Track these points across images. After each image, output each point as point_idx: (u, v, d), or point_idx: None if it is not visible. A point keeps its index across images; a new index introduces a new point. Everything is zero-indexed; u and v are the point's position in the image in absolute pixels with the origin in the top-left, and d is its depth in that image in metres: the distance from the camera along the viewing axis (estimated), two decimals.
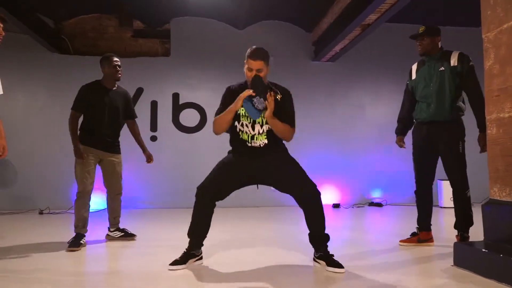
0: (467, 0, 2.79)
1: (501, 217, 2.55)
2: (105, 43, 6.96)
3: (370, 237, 4.05)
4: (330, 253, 2.74)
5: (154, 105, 6.86)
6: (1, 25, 2.75)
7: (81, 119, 3.64)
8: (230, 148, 2.97)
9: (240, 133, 2.83)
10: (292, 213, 5.86)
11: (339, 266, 2.62)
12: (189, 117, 6.90)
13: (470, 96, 3.19)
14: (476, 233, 3.08)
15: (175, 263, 2.69)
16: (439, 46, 3.35)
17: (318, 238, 2.76)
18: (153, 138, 6.82)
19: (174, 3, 6.39)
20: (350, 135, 7.26)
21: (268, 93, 2.72)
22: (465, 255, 2.64)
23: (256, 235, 4.23)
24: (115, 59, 3.69)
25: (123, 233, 3.78)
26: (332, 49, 6.52)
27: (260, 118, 2.77)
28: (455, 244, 2.76)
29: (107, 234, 3.79)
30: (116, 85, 3.75)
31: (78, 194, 3.50)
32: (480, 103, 3.01)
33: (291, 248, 3.48)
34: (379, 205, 6.82)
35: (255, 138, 2.82)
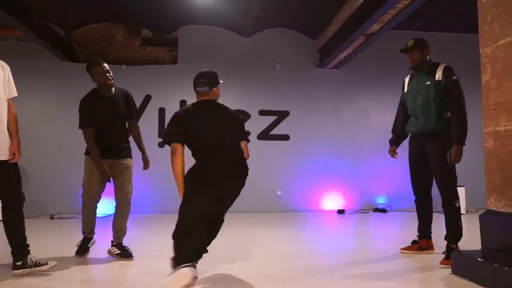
0: (469, 7, 2.86)
1: (497, 227, 2.62)
2: (114, 51, 7.12)
3: (372, 244, 4.13)
4: None
5: (162, 112, 7.00)
6: None
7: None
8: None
9: None
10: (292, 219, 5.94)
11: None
12: None
13: (451, 109, 3.23)
14: (474, 242, 3.15)
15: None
16: (428, 59, 3.44)
17: None
18: (161, 145, 6.94)
19: (181, 12, 6.53)
20: (355, 141, 7.34)
21: None
22: (463, 264, 2.72)
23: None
24: (103, 65, 3.43)
25: (120, 252, 3.44)
26: (337, 56, 6.62)
27: None
28: (453, 253, 2.84)
29: (109, 250, 3.52)
30: (113, 90, 3.52)
31: (83, 203, 3.47)
32: (459, 116, 3.13)
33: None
34: (383, 211, 6.89)
35: None
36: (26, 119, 6.68)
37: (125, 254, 3.43)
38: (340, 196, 7.12)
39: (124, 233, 3.53)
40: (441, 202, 3.28)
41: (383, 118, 7.33)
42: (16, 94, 3.07)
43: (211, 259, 3.08)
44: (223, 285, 2.66)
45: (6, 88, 2.96)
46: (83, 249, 3.51)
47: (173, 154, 2.73)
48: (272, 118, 7.17)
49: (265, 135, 7.13)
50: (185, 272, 2.33)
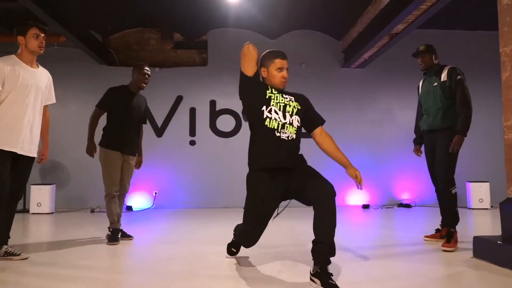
0: (492, 5, 3.04)
1: None
2: (147, 55, 7.52)
3: (396, 234, 4.34)
4: (329, 271, 2.31)
5: (192, 111, 7.35)
6: (42, 34, 3.14)
7: (103, 123, 3.93)
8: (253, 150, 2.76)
9: (267, 119, 2.59)
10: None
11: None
12: (225, 123, 7.36)
13: (457, 105, 3.52)
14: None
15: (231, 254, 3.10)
16: (436, 63, 3.75)
17: (322, 249, 2.37)
18: (192, 143, 7.31)
19: (210, 17, 6.87)
20: (379, 139, 7.52)
21: None
22: (483, 248, 2.93)
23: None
24: (146, 68, 3.96)
25: (121, 234, 3.89)
26: (361, 56, 6.82)
27: (290, 107, 2.65)
28: (474, 237, 3.04)
29: (107, 234, 3.87)
30: (139, 92, 4.03)
31: (106, 197, 3.83)
32: (464, 111, 3.45)
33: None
34: (408, 206, 7.05)
35: (285, 128, 2.61)
36: (67, 120, 7.16)
37: (125, 234, 3.94)
38: (364, 192, 7.31)
39: (120, 217, 3.95)
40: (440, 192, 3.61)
41: (407, 116, 7.48)
42: (55, 101, 3.39)
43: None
44: (267, 271, 2.94)
45: (45, 95, 3.25)
46: (114, 239, 3.74)
47: None
48: None
49: None
50: None
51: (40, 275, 2.70)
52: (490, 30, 7.31)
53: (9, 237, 3.17)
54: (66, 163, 7.09)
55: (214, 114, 7.38)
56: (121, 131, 3.88)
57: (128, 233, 4.04)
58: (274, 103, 2.62)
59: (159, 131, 7.24)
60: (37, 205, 6.26)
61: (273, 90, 2.69)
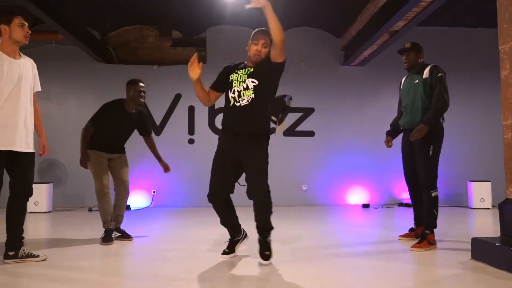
0: (493, 2, 2.99)
1: None
2: (145, 52, 7.47)
3: (394, 234, 4.28)
4: (268, 241, 2.97)
5: (191, 110, 7.31)
6: (27, 24, 2.98)
7: None
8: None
9: (232, 99, 2.99)
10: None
11: (264, 257, 2.89)
12: None
13: (433, 100, 3.46)
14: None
15: (225, 252, 3.09)
16: (421, 62, 3.71)
17: (261, 229, 3.02)
18: (191, 141, 7.27)
19: (209, 14, 6.81)
20: (380, 137, 7.36)
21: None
22: (482, 250, 2.87)
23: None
24: (141, 84, 3.95)
25: (120, 234, 3.91)
26: (361, 54, 6.75)
27: (245, 76, 2.98)
28: (472, 239, 2.99)
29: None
30: (135, 108, 4.01)
31: (98, 194, 3.84)
32: (437, 105, 3.40)
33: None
34: (408, 205, 6.97)
35: (242, 95, 2.93)
36: (65, 118, 7.12)
37: (125, 235, 3.92)
38: (365, 191, 7.25)
39: (123, 218, 4.00)
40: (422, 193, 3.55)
41: None
42: (40, 89, 3.23)
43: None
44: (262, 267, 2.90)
45: (32, 85, 3.11)
46: (108, 239, 3.73)
47: None
48: (298, 115, 7.37)
49: (290, 132, 7.33)
50: None
51: (34, 277, 2.67)
52: (490, 27, 7.22)
53: (23, 238, 3.09)
54: (64, 161, 7.06)
55: (213, 112, 7.33)
56: (110, 140, 3.98)
57: (128, 233, 3.99)
58: (235, 84, 2.99)
59: (158, 130, 7.20)
60: (35, 204, 6.23)
61: (238, 70, 3.04)
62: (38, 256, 3.05)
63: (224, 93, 3.13)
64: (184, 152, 7.21)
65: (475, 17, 7.00)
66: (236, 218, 3.19)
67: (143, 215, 6.05)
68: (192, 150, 7.25)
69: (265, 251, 2.91)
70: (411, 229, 3.82)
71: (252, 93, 2.90)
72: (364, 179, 7.28)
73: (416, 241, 3.48)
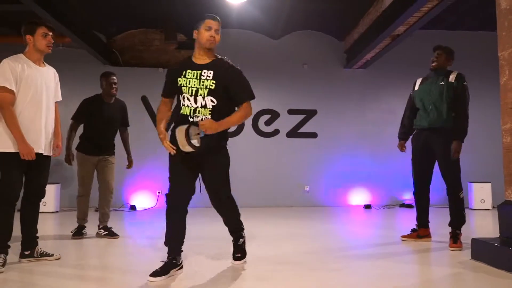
0: (493, 6, 3.10)
1: None
2: (151, 55, 7.57)
3: (395, 234, 4.38)
4: (239, 244, 3.03)
5: None
6: (50, 33, 3.12)
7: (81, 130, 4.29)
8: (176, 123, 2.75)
9: (182, 107, 2.71)
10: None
11: (236, 259, 3.01)
12: None
13: (456, 111, 3.57)
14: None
15: (155, 274, 2.58)
16: (447, 67, 3.76)
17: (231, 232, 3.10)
18: None
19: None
20: (381, 139, 7.54)
21: (198, 125, 2.57)
22: (482, 250, 2.97)
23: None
24: (113, 77, 4.17)
25: (107, 232, 4.15)
26: (363, 57, 6.85)
27: (202, 90, 2.65)
28: (472, 239, 3.09)
29: (97, 232, 4.19)
30: (113, 99, 4.24)
31: (78, 195, 4.22)
32: (462, 118, 3.52)
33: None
34: (410, 206, 7.07)
35: (197, 112, 2.65)
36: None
37: (111, 233, 4.14)
38: (366, 192, 7.35)
39: (108, 217, 4.26)
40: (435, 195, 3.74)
41: None
42: (61, 99, 3.39)
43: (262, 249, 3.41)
44: (263, 268, 3.00)
45: (53, 93, 3.23)
46: (79, 234, 4.12)
47: None
48: (301, 117, 7.47)
49: (293, 133, 7.44)
50: None
51: (49, 274, 2.77)
52: (492, 30, 7.32)
53: (38, 237, 3.20)
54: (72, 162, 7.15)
55: None
56: (97, 138, 4.17)
57: (114, 231, 4.22)
58: (185, 90, 2.68)
59: None
60: (43, 204, 6.31)
61: (187, 72, 2.71)
62: (52, 255, 3.16)
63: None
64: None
65: (476, 20, 7.10)
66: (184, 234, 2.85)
67: (148, 215, 6.15)
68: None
69: (236, 254, 3.02)
70: (413, 230, 3.91)
71: (209, 114, 2.64)
72: (366, 180, 7.37)
73: (419, 238, 3.60)
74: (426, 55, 3.97)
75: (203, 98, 2.65)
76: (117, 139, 4.43)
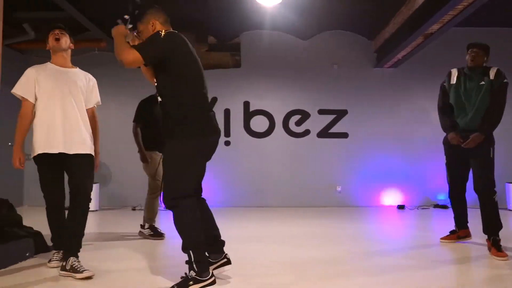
0: None
1: None
2: None
3: (433, 235, 4.35)
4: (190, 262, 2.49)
5: (227, 112, 7.53)
6: (56, 30, 3.10)
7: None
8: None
9: None
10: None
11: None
12: (259, 123, 7.50)
13: (490, 106, 3.45)
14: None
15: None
16: (484, 65, 3.63)
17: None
18: (227, 143, 7.48)
19: (243, 19, 7.02)
20: (413, 139, 7.46)
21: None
22: None
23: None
24: None
25: (153, 232, 4.24)
26: (395, 56, 6.80)
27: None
28: None
29: (140, 231, 4.30)
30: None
31: (152, 193, 4.27)
32: (495, 114, 3.41)
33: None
34: (444, 207, 6.97)
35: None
36: (108, 121, 7.46)
37: (158, 233, 4.23)
38: (399, 192, 7.29)
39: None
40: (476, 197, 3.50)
41: None
42: (100, 101, 3.43)
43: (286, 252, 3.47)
44: (294, 273, 3.05)
45: (83, 95, 3.18)
46: (158, 234, 4.20)
47: None
48: (331, 117, 7.48)
49: (324, 133, 7.45)
50: None
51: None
52: None
53: (80, 246, 2.97)
54: (108, 163, 7.41)
55: (248, 115, 7.53)
56: (158, 135, 4.18)
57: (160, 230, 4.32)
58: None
59: None
60: None
61: None
62: (82, 272, 2.78)
63: None
64: (220, 154, 7.39)
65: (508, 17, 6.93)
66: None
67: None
68: (228, 151, 7.46)
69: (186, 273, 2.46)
70: (452, 231, 3.87)
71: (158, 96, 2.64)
72: (398, 180, 7.31)
73: (459, 239, 3.60)
74: (458, 53, 3.91)
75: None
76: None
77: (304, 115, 7.48)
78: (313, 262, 3.10)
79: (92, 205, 6.50)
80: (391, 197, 7.28)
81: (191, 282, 2.34)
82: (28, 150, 2.98)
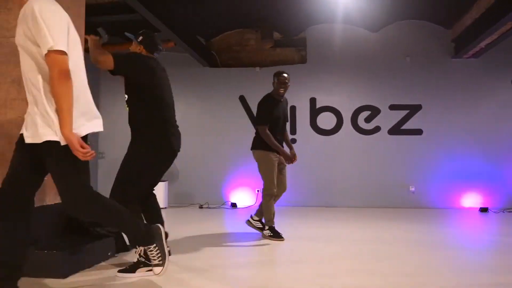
0: None
1: None
2: (247, 55, 7.68)
3: None
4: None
5: (293, 109, 7.35)
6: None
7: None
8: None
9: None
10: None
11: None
12: (326, 120, 7.24)
13: None
14: None
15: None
16: None
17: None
18: (293, 141, 7.30)
19: (308, 13, 6.80)
20: (497, 136, 6.83)
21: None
22: None
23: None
24: (284, 75, 4.11)
25: (272, 234, 4.07)
26: (477, 45, 6.24)
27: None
28: None
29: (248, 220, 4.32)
30: (282, 97, 4.23)
31: (269, 194, 4.05)
32: None
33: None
34: None
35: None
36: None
37: (277, 234, 4.07)
38: (481, 193, 6.71)
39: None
40: None
41: None
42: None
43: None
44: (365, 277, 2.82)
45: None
46: (278, 235, 4.04)
47: None
48: (404, 113, 7.05)
49: (396, 130, 7.04)
50: None
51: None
52: None
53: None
54: (175, 161, 7.52)
55: (314, 111, 7.30)
56: (275, 136, 4.11)
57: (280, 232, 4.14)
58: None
59: None
60: None
61: None
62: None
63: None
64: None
65: None
66: None
67: (248, 213, 6.23)
68: (295, 149, 7.27)
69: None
70: None
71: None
72: (480, 180, 6.73)
73: None
74: None
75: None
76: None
77: (374, 111, 7.11)
78: (399, 274, 2.85)
79: (161, 203, 6.69)
80: (472, 199, 6.71)
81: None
82: (102, 148, 3.01)
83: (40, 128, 1.93)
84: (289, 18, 7.07)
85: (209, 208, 6.76)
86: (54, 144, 1.93)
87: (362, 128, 7.13)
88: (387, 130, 7.06)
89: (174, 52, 7.55)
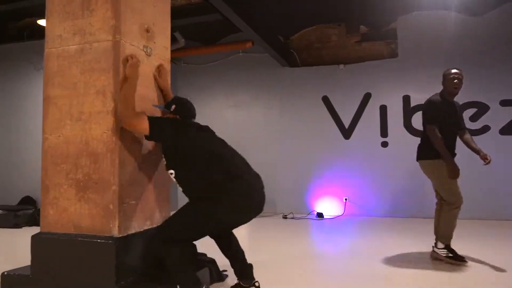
0: None
1: None
2: (329, 52, 7.10)
3: None
4: None
5: (383, 109, 6.64)
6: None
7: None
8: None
9: None
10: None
11: None
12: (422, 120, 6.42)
13: None
14: None
15: None
16: None
17: None
18: (384, 144, 6.60)
19: (399, 1, 6.07)
20: None
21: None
22: None
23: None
24: (453, 71, 3.56)
25: (452, 255, 3.45)
26: None
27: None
28: None
29: (433, 251, 3.61)
30: (453, 98, 3.65)
31: (453, 208, 3.48)
32: None
33: None
34: None
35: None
36: (253, 124, 7.25)
37: (457, 257, 3.42)
38: None
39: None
40: None
41: None
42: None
43: None
44: None
45: None
46: (458, 258, 3.41)
47: None
48: None
49: (509, 129, 6.04)
50: None
51: None
52: None
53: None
54: (255, 167, 7.15)
55: (409, 111, 6.52)
56: (451, 142, 3.60)
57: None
58: None
59: (347, 133, 6.74)
60: None
61: None
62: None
63: None
64: (377, 157, 6.58)
65: None
66: None
67: (335, 224, 5.65)
68: (386, 154, 6.57)
69: None
70: None
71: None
72: None
73: None
74: None
75: (167, 168, 2.57)
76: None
77: (482, 108, 6.16)
78: None
79: None
80: None
81: None
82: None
83: None
84: (376, 9, 6.39)
85: (295, 219, 6.27)
86: None
87: (468, 127, 6.20)
88: (498, 130, 6.08)
89: (251, 53, 7.21)
